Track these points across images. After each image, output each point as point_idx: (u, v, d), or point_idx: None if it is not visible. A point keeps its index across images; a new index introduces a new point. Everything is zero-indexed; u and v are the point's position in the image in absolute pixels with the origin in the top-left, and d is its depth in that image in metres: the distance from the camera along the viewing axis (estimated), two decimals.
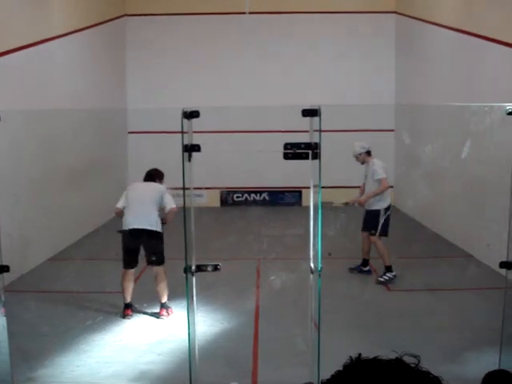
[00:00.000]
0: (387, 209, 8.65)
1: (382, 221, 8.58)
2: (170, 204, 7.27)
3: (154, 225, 7.17)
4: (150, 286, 7.55)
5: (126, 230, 7.17)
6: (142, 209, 7.20)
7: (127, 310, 7.27)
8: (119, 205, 7.34)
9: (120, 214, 7.34)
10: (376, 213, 8.60)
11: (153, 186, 7.45)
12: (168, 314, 7.29)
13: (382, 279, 8.63)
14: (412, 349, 1.32)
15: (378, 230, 8.59)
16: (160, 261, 7.23)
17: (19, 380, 5.25)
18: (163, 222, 7.28)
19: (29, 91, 9.36)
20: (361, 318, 7.27)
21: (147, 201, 7.26)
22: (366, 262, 9.02)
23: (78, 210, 11.08)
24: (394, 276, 8.64)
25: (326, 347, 4.39)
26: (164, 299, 7.29)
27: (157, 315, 7.27)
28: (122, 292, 7.25)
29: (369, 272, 9.02)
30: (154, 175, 7.57)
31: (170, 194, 7.29)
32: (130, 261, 7.24)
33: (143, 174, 7.66)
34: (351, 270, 9.05)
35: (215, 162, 12.81)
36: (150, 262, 7.32)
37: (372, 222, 8.63)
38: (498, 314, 5.07)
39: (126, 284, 7.23)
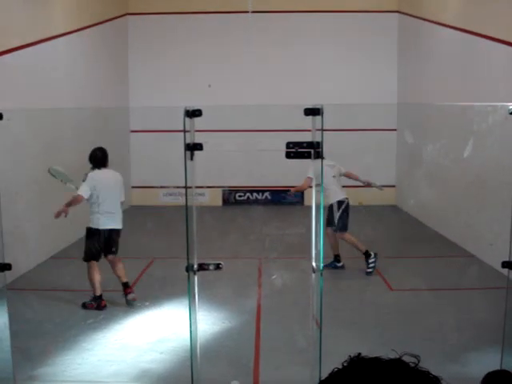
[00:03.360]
0: (341, 202, 8.81)
1: (337, 215, 8.78)
2: (123, 196, 7.63)
3: (121, 222, 7.57)
4: (156, 285, 7.57)
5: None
6: (114, 208, 7.44)
7: (103, 301, 7.46)
8: (84, 194, 7.26)
9: (80, 202, 7.33)
10: (330, 207, 8.81)
11: (114, 176, 7.55)
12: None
13: (370, 270, 8.80)
14: (413, 348, 1.32)
15: (336, 225, 8.78)
16: (117, 250, 7.59)
17: (21, 378, 5.26)
18: None
19: (31, 90, 9.36)
20: (362, 317, 7.27)
21: (116, 198, 7.48)
22: (337, 258, 9.07)
23: (80, 209, 11.07)
24: (375, 260, 8.80)
25: (327, 346, 4.39)
26: (125, 279, 7.57)
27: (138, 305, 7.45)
28: (94, 285, 7.41)
29: (342, 267, 9.08)
30: (105, 158, 7.46)
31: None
32: (97, 254, 7.47)
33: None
34: (325, 267, 9.04)
35: (217, 161, 12.82)
36: (111, 253, 7.54)
37: (329, 216, 8.81)
38: (500, 313, 5.07)
39: (98, 276, 7.44)
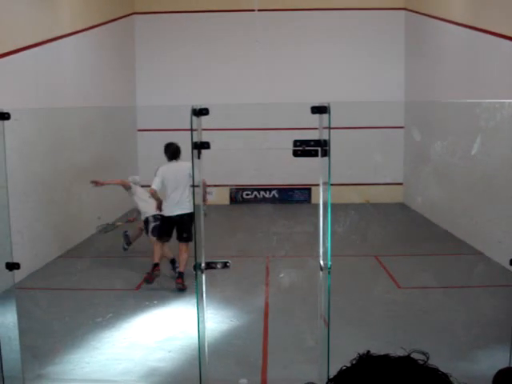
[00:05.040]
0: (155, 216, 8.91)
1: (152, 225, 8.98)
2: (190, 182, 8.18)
3: (190, 207, 7.97)
4: (164, 284, 7.56)
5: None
6: (180, 194, 8.07)
7: (156, 267, 8.24)
8: (155, 186, 8.13)
9: (155, 195, 8.25)
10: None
11: (183, 165, 8.03)
12: (183, 285, 8.01)
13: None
14: (421, 346, 1.31)
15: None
16: (190, 238, 8.05)
17: (30, 377, 5.28)
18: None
19: (38, 89, 9.39)
20: (370, 315, 7.25)
21: (182, 187, 8.06)
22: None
23: (88, 208, 11.12)
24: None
25: (335, 344, 4.38)
26: (182, 269, 8.12)
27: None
28: (157, 255, 8.30)
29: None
30: (178, 152, 8.16)
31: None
32: (165, 237, 8.40)
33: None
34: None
35: (225, 160, 12.83)
36: (180, 239, 8.24)
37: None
38: (509, 311, 5.05)
39: (157, 249, 8.36)
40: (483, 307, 7.21)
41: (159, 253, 8.46)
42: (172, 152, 8.14)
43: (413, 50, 14.54)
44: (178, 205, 8.07)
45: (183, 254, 8.17)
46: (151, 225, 8.95)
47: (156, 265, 8.33)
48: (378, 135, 14.26)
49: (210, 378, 4.73)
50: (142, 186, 9.40)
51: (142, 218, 9.15)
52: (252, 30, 14.24)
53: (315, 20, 14.99)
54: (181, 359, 5.94)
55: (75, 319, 7.04)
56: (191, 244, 4.33)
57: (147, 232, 9.07)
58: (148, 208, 8.95)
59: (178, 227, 8.25)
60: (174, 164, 8.16)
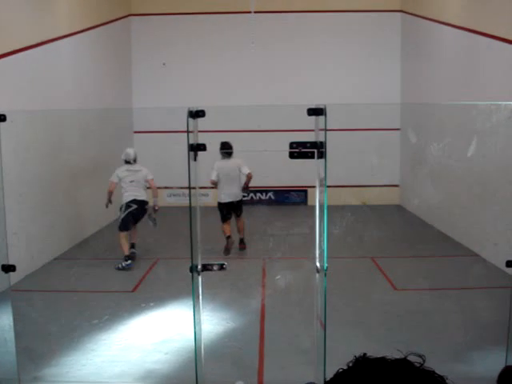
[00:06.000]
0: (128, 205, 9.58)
1: (121, 215, 9.52)
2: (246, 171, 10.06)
3: (239, 195, 10.19)
4: (160, 286, 7.55)
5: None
6: (231, 186, 9.93)
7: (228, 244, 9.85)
8: (214, 178, 9.89)
9: (215, 184, 10.03)
10: (120, 207, 9.70)
11: (234, 162, 9.98)
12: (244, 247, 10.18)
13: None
14: (418, 348, 1.31)
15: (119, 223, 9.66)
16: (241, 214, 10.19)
17: (26, 379, 5.26)
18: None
19: (34, 91, 9.37)
20: (367, 317, 7.26)
21: (234, 180, 9.93)
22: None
23: (84, 210, 11.11)
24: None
25: (331, 346, 4.38)
26: (242, 235, 10.28)
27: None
28: (224, 232, 9.93)
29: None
30: (231, 151, 9.79)
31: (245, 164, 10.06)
32: (225, 217, 10.03)
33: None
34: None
35: None
36: (236, 216, 10.18)
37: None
38: (505, 313, 5.06)
39: (226, 227, 9.97)
40: (479, 309, 7.21)
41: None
42: (226, 151, 9.66)
43: (409, 52, 14.56)
44: (230, 194, 9.85)
45: (240, 223, 10.20)
46: (121, 214, 9.50)
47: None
48: (374, 137, 14.26)
49: (207, 380, 4.73)
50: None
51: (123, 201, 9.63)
52: (248, 31, 14.23)
53: (311, 22, 15.00)
54: (177, 361, 5.93)
55: (71, 321, 7.03)
56: (190, 244, 4.36)
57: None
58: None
59: (232, 210, 10.04)
60: (226, 161, 9.86)
